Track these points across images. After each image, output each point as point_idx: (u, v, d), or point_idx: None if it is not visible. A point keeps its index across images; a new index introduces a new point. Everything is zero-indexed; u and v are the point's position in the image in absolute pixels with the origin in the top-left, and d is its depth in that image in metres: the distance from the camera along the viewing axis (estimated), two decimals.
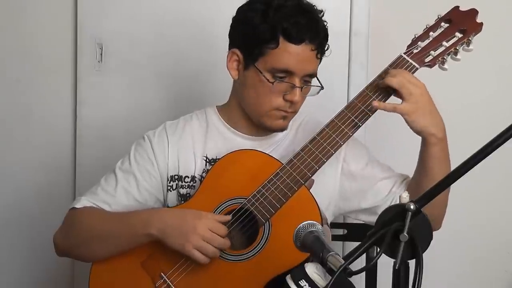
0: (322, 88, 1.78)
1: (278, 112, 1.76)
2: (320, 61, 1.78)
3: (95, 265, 1.77)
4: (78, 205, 1.80)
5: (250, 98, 1.77)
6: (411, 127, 1.67)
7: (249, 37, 1.73)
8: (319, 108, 1.97)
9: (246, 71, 1.76)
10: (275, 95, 1.73)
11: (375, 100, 1.68)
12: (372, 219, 1.82)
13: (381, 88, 1.70)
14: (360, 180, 1.83)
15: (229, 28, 1.81)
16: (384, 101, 1.70)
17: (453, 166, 1.16)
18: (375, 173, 1.84)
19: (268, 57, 1.71)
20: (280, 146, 1.85)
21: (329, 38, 1.78)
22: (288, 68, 1.71)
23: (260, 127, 1.81)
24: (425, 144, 1.71)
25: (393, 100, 1.70)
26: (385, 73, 1.71)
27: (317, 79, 1.78)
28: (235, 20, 1.80)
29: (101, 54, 2.52)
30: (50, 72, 2.61)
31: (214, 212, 1.71)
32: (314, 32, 1.72)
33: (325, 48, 1.77)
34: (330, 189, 1.83)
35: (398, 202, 1.78)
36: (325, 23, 1.77)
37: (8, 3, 2.62)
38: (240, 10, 1.79)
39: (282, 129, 1.81)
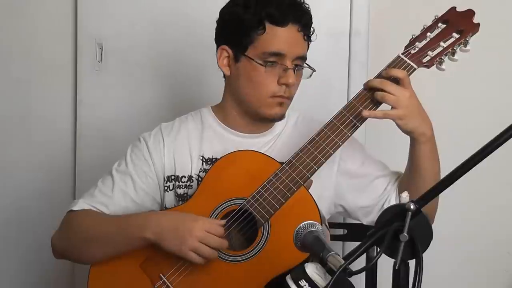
0: (314, 70, 1.80)
1: (275, 99, 1.77)
2: (308, 46, 1.80)
3: (94, 267, 1.76)
4: (75, 208, 1.80)
5: (246, 88, 1.78)
6: (402, 130, 1.68)
7: (236, 29, 1.75)
8: (319, 107, 1.97)
9: (237, 63, 1.78)
10: (269, 80, 1.75)
11: (370, 104, 1.68)
12: (367, 218, 1.85)
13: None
14: (357, 178, 1.84)
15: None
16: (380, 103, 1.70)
17: (452, 167, 1.16)
18: (371, 171, 1.85)
19: (258, 44, 1.74)
20: (277, 143, 1.84)
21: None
22: (278, 51, 1.73)
23: (259, 119, 1.82)
24: (415, 144, 1.72)
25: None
26: (383, 72, 1.71)
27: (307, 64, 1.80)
28: (219, 20, 1.83)
29: (101, 54, 2.52)
30: (50, 72, 2.61)
31: (213, 213, 1.71)
32: (298, 13, 1.75)
33: (311, 32, 1.80)
34: (326, 188, 1.82)
35: (392, 200, 1.81)
36: (307, 6, 1.79)
37: (8, 3, 2.61)
38: (223, 10, 1.82)
39: (280, 117, 1.81)
